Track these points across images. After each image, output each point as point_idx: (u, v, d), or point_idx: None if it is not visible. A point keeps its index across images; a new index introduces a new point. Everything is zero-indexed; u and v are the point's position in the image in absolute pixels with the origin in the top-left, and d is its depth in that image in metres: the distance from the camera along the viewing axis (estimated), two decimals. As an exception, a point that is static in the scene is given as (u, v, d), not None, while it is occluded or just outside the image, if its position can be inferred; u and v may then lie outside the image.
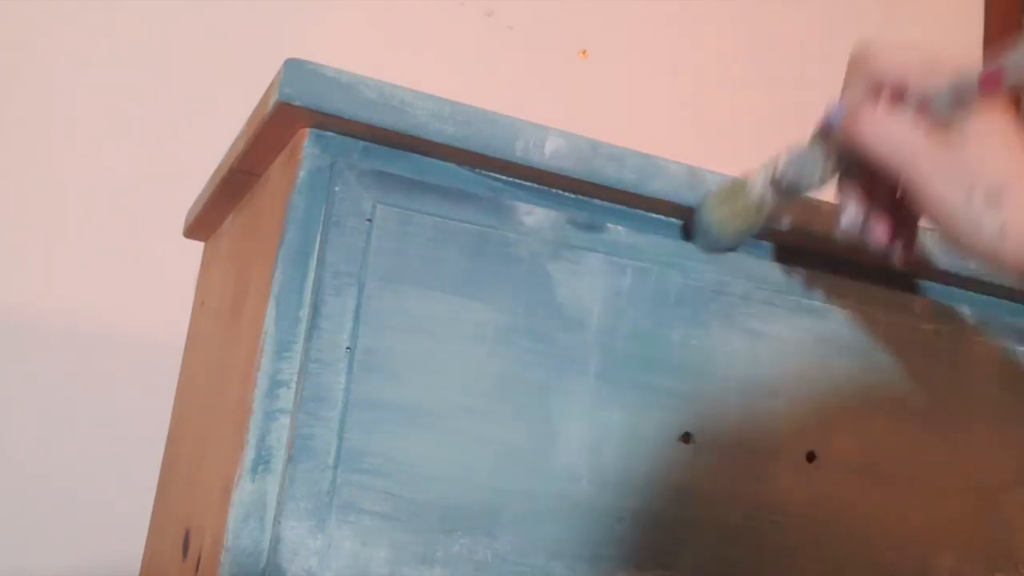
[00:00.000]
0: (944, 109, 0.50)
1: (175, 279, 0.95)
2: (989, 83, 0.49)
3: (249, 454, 0.52)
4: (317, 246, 0.55)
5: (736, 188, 0.59)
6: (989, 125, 0.50)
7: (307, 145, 0.55)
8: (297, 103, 0.54)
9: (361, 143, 0.56)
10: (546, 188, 0.60)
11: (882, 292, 0.67)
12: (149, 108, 1.02)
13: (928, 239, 0.66)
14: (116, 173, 1.00)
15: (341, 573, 0.52)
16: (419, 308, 0.55)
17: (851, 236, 0.57)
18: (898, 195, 0.55)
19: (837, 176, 0.56)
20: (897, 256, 0.57)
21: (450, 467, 0.54)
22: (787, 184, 0.56)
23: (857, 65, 0.54)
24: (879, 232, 0.56)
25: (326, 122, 0.55)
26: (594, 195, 0.61)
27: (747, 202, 0.58)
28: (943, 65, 0.51)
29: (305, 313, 0.54)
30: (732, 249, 0.62)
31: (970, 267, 0.67)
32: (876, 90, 0.52)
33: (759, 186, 0.57)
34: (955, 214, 0.50)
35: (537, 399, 0.57)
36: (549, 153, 0.58)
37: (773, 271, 0.64)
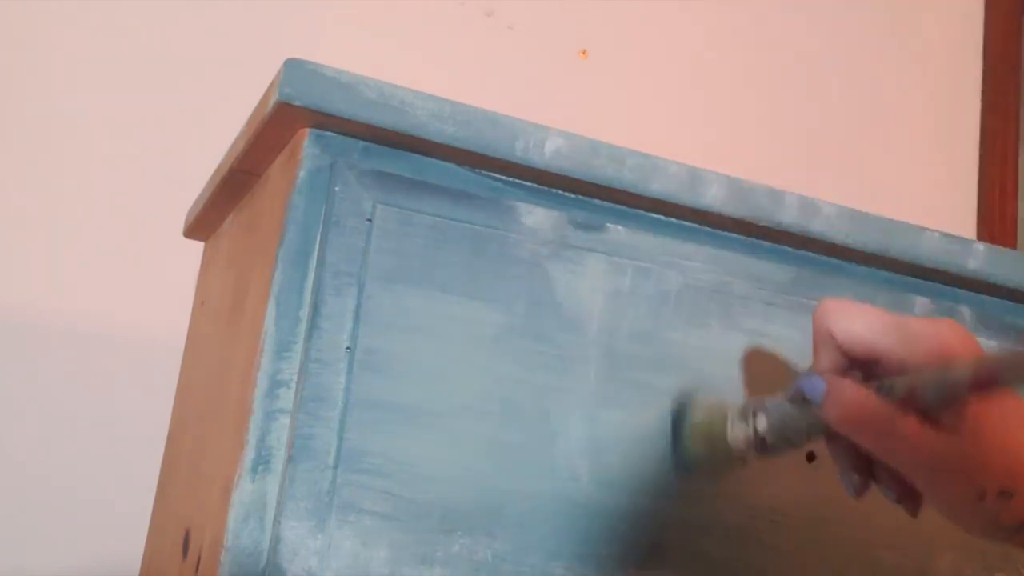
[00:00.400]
0: (934, 402, 0.46)
1: (175, 279, 0.95)
2: (981, 386, 0.45)
3: (249, 454, 0.52)
4: (317, 246, 0.55)
5: (713, 428, 0.55)
6: (987, 415, 0.46)
7: (307, 145, 0.55)
8: (297, 103, 0.54)
9: (361, 143, 0.57)
10: (546, 188, 0.60)
11: (882, 292, 0.67)
12: (149, 108, 1.02)
13: (928, 239, 0.66)
14: (116, 173, 1.00)
15: (341, 573, 0.52)
16: (419, 308, 0.55)
17: (865, 497, 0.52)
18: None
19: (823, 436, 0.52)
20: (912, 510, 0.52)
21: (450, 467, 0.54)
22: (770, 446, 0.53)
23: (821, 331, 0.50)
24: (897, 489, 0.51)
25: (326, 122, 0.55)
26: (594, 195, 0.61)
27: (728, 453, 0.54)
28: (908, 329, 0.47)
29: (305, 313, 0.54)
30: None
31: (970, 267, 0.67)
32: (846, 362, 0.49)
33: (740, 442, 0.54)
34: (969, 516, 0.47)
35: (537, 399, 0.57)
36: (549, 153, 0.58)
37: (773, 271, 0.64)
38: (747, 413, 0.54)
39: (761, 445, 0.53)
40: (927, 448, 0.46)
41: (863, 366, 0.50)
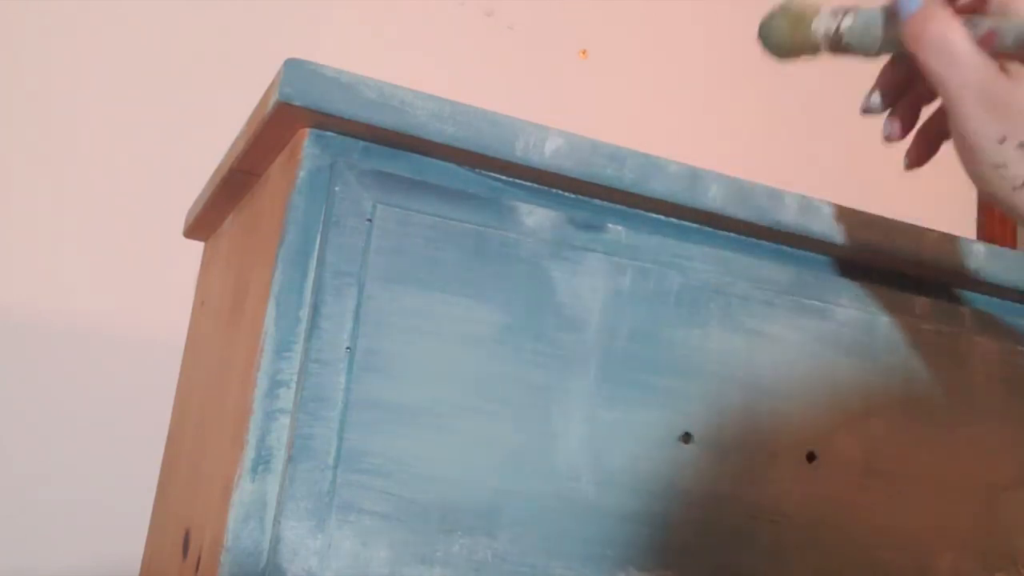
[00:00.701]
0: (1009, 46, 0.49)
1: (175, 279, 0.95)
2: None
3: (249, 454, 0.52)
4: (317, 246, 0.55)
5: (804, 18, 0.58)
6: None
7: (307, 145, 0.55)
8: (297, 103, 0.54)
9: (361, 143, 0.56)
10: (546, 188, 0.60)
11: (882, 292, 0.67)
12: (149, 108, 1.02)
13: (928, 239, 0.66)
14: (116, 173, 1.00)
15: (341, 573, 0.52)
16: (419, 308, 0.55)
17: (869, 115, 0.57)
18: (934, 107, 0.54)
19: (888, 56, 0.56)
20: (908, 160, 0.57)
21: (450, 467, 0.54)
22: (844, 45, 0.56)
23: None
24: (896, 128, 0.56)
25: (326, 122, 0.55)
26: (594, 195, 0.61)
27: (806, 38, 0.58)
28: None
29: (305, 313, 0.54)
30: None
31: (970, 267, 0.67)
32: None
33: (821, 32, 0.57)
34: (983, 151, 0.50)
35: (537, 399, 0.57)
36: (549, 153, 0.58)
37: (773, 271, 0.64)
38: (838, 11, 0.57)
39: (837, 41, 0.56)
40: (980, 78, 0.50)
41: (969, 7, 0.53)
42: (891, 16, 0.54)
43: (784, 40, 0.59)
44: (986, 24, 0.51)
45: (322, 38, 1.10)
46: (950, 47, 0.51)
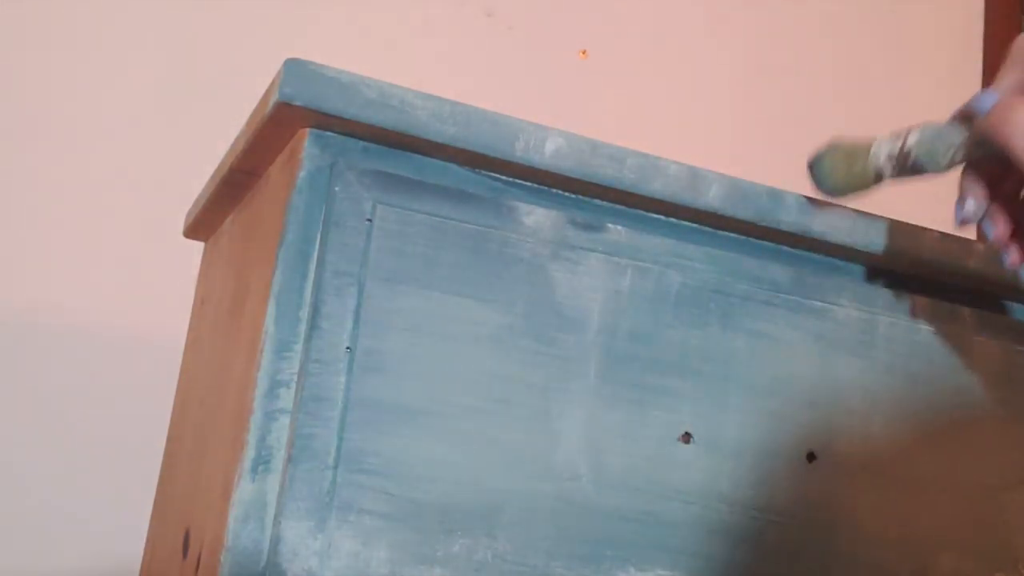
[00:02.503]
0: None
1: (175, 279, 0.95)
2: None
3: (249, 454, 0.52)
4: (317, 246, 0.55)
5: (858, 150, 0.58)
6: None
7: (307, 145, 0.55)
8: (297, 103, 0.54)
9: (361, 143, 0.57)
10: (546, 188, 0.60)
11: (882, 292, 0.67)
12: (149, 108, 1.02)
13: (928, 239, 0.66)
14: (116, 173, 1.00)
15: (341, 573, 0.52)
16: (419, 308, 0.55)
17: (966, 227, 0.56)
18: None
19: (963, 164, 0.55)
20: (1012, 259, 0.56)
21: (450, 467, 0.54)
22: (912, 162, 0.55)
23: (1018, 55, 0.52)
24: (1001, 229, 0.55)
25: (326, 122, 0.55)
26: (594, 195, 0.61)
27: (865, 168, 0.57)
28: None
29: (305, 313, 0.54)
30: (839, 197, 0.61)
31: (970, 267, 0.67)
32: None
33: (883, 157, 0.56)
34: None
35: (537, 399, 0.57)
36: (549, 153, 0.58)
37: (773, 271, 0.64)
38: (899, 133, 0.56)
39: (903, 161, 0.55)
40: None
41: None
42: (964, 119, 0.53)
43: (840, 178, 0.58)
44: None
45: (323, 38, 1.10)
46: None
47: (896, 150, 0.56)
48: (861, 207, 0.66)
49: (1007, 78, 0.52)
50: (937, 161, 0.55)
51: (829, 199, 0.61)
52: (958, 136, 0.54)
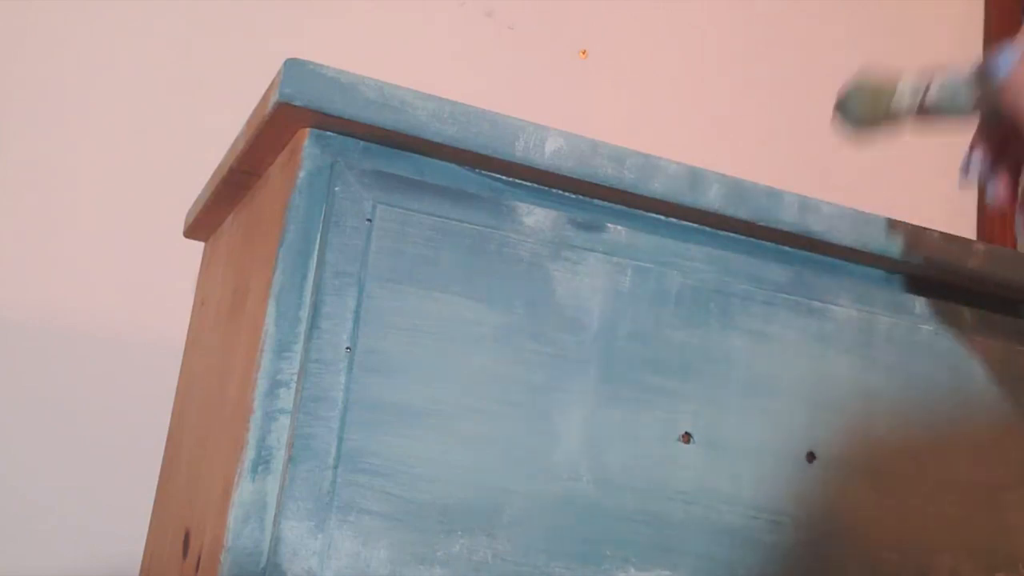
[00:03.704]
0: None
1: (175, 279, 0.95)
2: None
3: (249, 454, 0.52)
4: (317, 246, 0.55)
5: (884, 90, 0.58)
6: None
7: (307, 145, 0.55)
8: (297, 103, 0.54)
9: (361, 143, 0.57)
10: (546, 188, 0.60)
11: (882, 292, 0.67)
12: (149, 108, 1.02)
13: (928, 239, 0.66)
14: (116, 173, 1.00)
15: (341, 573, 0.52)
16: (419, 308, 0.55)
17: (968, 184, 0.56)
18: None
19: (977, 118, 0.56)
20: (1020, 224, 0.56)
21: (450, 467, 0.54)
22: (931, 108, 0.56)
23: None
24: (1003, 191, 0.55)
25: (326, 122, 0.55)
26: (594, 195, 0.61)
27: (889, 107, 0.58)
28: None
29: (305, 313, 0.54)
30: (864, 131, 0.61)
31: (970, 267, 0.67)
32: None
33: (906, 99, 0.57)
34: None
35: (537, 399, 0.57)
36: (549, 153, 0.58)
37: (773, 271, 0.64)
38: (922, 79, 0.57)
39: (924, 109, 0.56)
40: None
41: None
42: (982, 77, 0.54)
43: (866, 113, 0.59)
44: None
45: (322, 38, 1.10)
46: None
47: (919, 97, 0.57)
48: (861, 207, 0.66)
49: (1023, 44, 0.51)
50: (956, 113, 0.56)
51: (855, 134, 0.61)
52: (978, 90, 0.55)
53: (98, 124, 1.00)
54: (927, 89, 0.57)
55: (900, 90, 0.58)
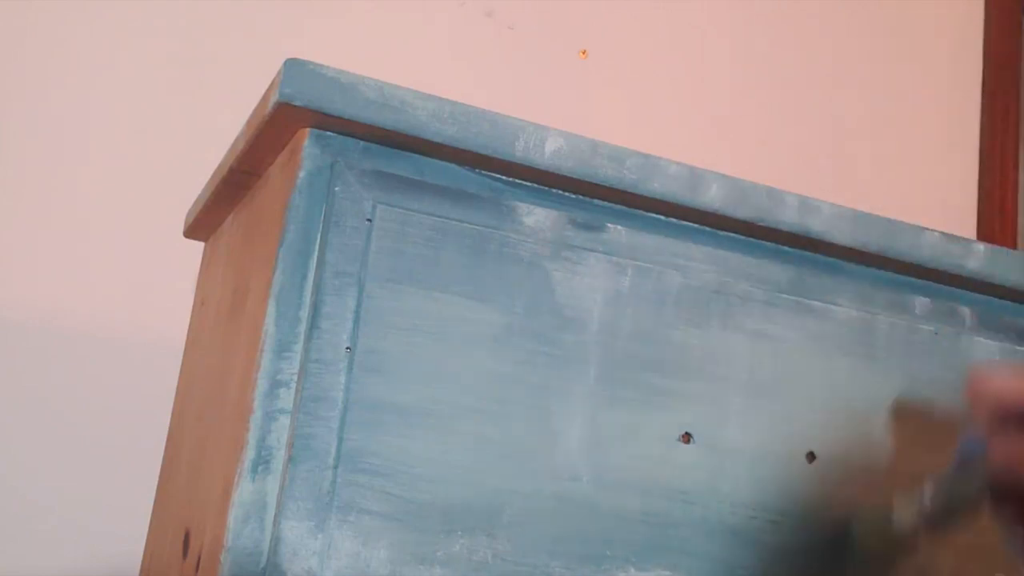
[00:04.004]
0: None
1: (175, 279, 0.95)
2: None
3: (249, 454, 0.52)
4: (317, 246, 0.55)
5: (879, 519, 0.57)
6: None
7: (307, 145, 0.55)
8: (297, 103, 0.54)
9: (361, 143, 0.57)
10: (546, 188, 0.60)
11: (882, 292, 0.67)
12: (149, 108, 1.02)
13: (928, 239, 0.66)
14: (116, 173, 1.00)
15: (341, 573, 0.52)
16: (419, 308, 0.55)
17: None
18: None
19: (988, 500, 0.53)
20: None
21: (450, 467, 0.54)
22: (939, 516, 0.54)
23: (979, 395, 0.51)
24: None
25: (326, 122, 0.55)
26: (594, 195, 0.61)
27: (897, 533, 0.56)
28: None
29: (305, 313, 0.54)
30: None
31: (970, 267, 0.67)
32: (1006, 420, 0.50)
33: (908, 519, 0.55)
34: None
35: (537, 399, 0.57)
36: (549, 153, 0.58)
37: (773, 271, 0.64)
38: (913, 491, 0.55)
39: (929, 517, 0.54)
40: None
41: (1018, 422, 0.50)
42: (963, 468, 0.52)
43: (876, 548, 0.58)
44: None
45: (322, 38, 1.10)
46: None
47: (919, 508, 0.54)
48: (861, 207, 0.66)
49: (981, 422, 0.51)
50: (959, 510, 0.53)
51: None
52: (970, 482, 0.52)
53: (98, 124, 1.00)
54: (924, 502, 0.54)
55: (896, 516, 0.56)
